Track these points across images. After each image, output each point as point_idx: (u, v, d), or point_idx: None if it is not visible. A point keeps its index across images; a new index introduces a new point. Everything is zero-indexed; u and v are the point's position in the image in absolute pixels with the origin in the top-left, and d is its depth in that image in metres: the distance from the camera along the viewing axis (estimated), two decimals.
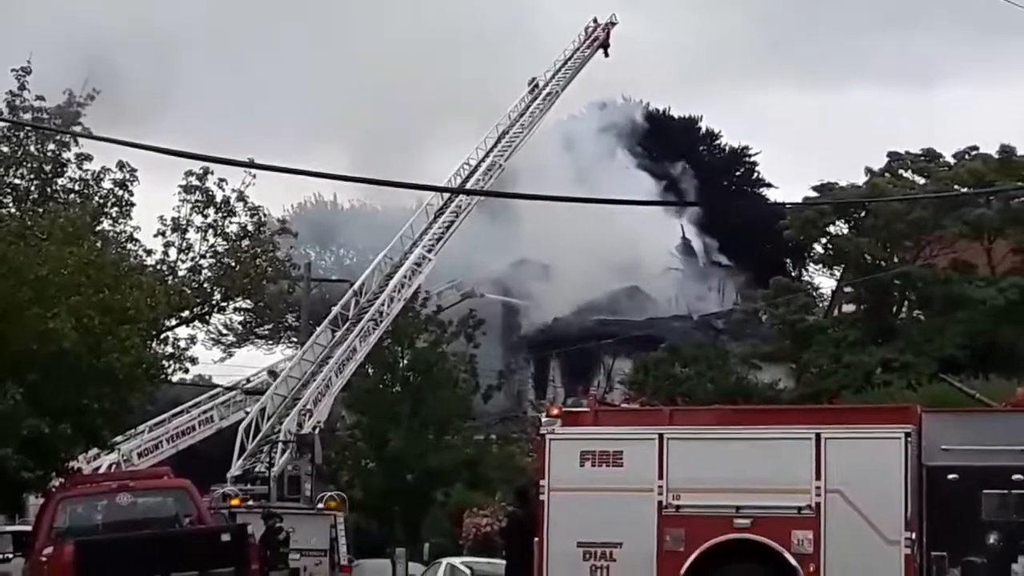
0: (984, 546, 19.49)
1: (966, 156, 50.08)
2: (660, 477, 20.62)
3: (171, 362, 30.17)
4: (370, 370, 49.03)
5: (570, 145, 68.99)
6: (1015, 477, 19.43)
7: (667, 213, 70.85)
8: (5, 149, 32.23)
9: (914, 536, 19.54)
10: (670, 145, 74.61)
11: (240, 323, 69.19)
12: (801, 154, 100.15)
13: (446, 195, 48.16)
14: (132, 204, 32.54)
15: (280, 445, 39.79)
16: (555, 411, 22.83)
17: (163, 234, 35.00)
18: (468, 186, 49.60)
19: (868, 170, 51.09)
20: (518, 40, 68.82)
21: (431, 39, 72.04)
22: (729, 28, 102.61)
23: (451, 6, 75.99)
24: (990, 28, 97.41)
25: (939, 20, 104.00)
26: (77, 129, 31.72)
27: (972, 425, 20.67)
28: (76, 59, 51.17)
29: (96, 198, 32.17)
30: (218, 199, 35.63)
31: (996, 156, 49.19)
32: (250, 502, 35.43)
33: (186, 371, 32.15)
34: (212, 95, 75.66)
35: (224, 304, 36.96)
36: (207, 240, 35.71)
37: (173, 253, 34.97)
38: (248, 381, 49.64)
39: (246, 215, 36.30)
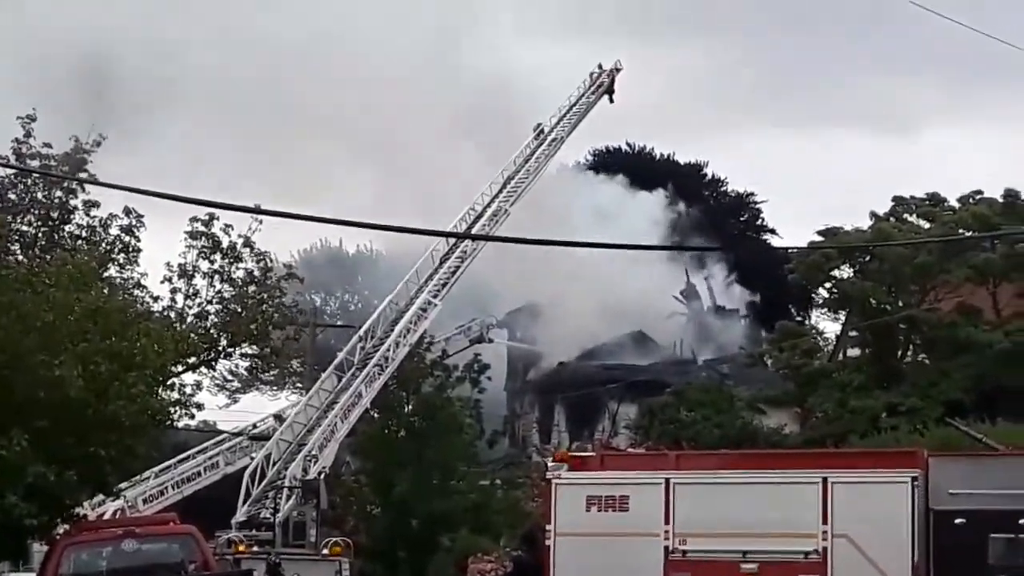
0: None
1: (971, 200, 50.16)
2: (667, 522, 20.63)
3: (177, 408, 30.15)
4: (375, 415, 49.02)
5: (575, 191, 69.16)
6: (1022, 521, 19.39)
7: (676, 259, 70.85)
8: (12, 196, 32.36)
9: None
10: (677, 190, 74.78)
11: (246, 369, 69.18)
12: (799, 200, 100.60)
13: (452, 241, 48.23)
14: (139, 250, 32.67)
15: (285, 491, 39.73)
16: (561, 456, 22.85)
17: (169, 280, 35.12)
18: (474, 231, 49.66)
19: (873, 214, 51.19)
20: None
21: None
22: (726, 75, 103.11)
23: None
24: (973, 74, 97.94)
25: (921, 66, 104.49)
26: (84, 176, 31.84)
27: (979, 469, 20.68)
28: (72, 61, 51.53)
29: (103, 244, 32.26)
30: (224, 245, 35.73)
31: (1001, 200, 49.27)
32: (255, 548, 35.34)
33: (192, 417, 32.12)
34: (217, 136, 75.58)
35: (231, 350, 37.02)
36: (213, 286, 35.82)
37: (180, 299, 35.07)
38: (254, 427, 49.59)
39: (252, 260, 36.42)
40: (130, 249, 32.41)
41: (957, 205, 50.60)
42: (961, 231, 48.00)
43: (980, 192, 50.43)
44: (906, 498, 19.70)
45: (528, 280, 64.06)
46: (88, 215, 32.53)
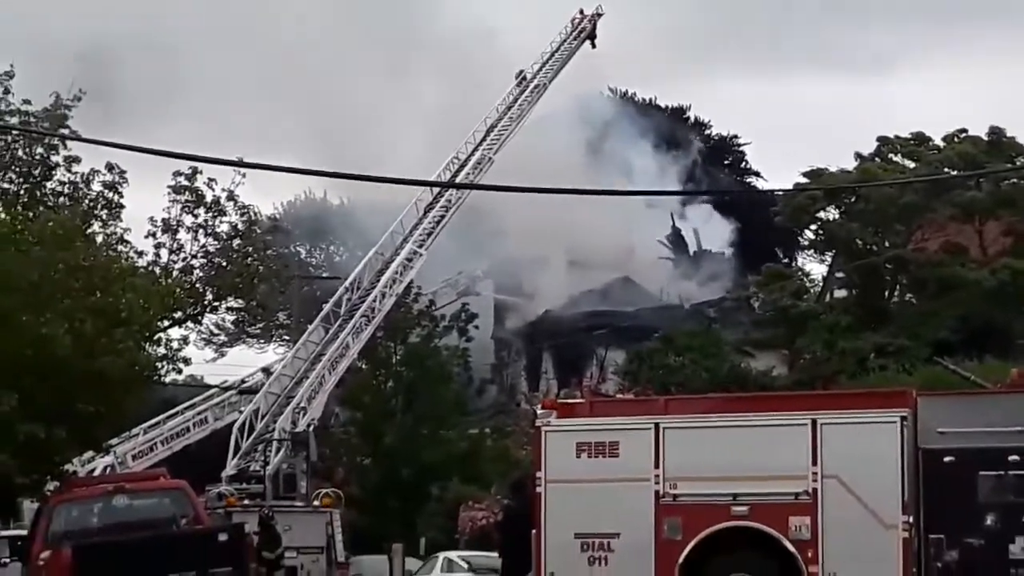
0: (981, 528, 19.48)
1: (955, 139, 50.11)
2: (656, 467, 20.59)
3: (164, 364, 30.10)
4: (363, 366, 49.03)
5: (559, 136, 68.90)
6: (1011, 458, 19.41)
7: (662, 203, 70.70)
8: None
9: (911, 520, 19.53)
10: (660, 134, 74.58)
11: (232, 322, 69.08)
12: (784, 143, 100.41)
13: (436, 190, 48.10)
14: (122, 206, 32.51)
15: (275, 444, 39.76)
16: (550, 403, 22.80)
17: (153, 235, 34.99)
18: (458, 180, 49.53)
19: (858, 155, 51.13)
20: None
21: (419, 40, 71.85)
22: (706, 20, 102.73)
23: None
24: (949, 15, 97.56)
25: (893, 5, 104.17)
26: (65, 132, 31.63)
27: (968, 407, 20.65)
28: (66, 56, 51.32)
29: (86, 201, 32.11)
30: (208, 199, 35.60)
31: (985, 138, 49.22)
32: (246, 501, 35.40)
33: (179, 372, 32.09)
34: (203, 93, 75.29)
35: (216, 304, 36.94)
36: (198, 240, 35.72)
37: (164, 254, 34.97)
38: (243, 381, 49.57)
39: (236, 214, 36.30)
40: (113, 205, 32.25)
41: (942, 144, 50.55)
42: (946, 170, 47.99)
43: (965, 130, 50.37)
44: (895, 438, 19.68)
45: (513, 228, 63.97)
46: (70, 171, 32.34)
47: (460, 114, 57.16)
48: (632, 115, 75.14)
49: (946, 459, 19.68)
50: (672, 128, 76.58)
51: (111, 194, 32.38)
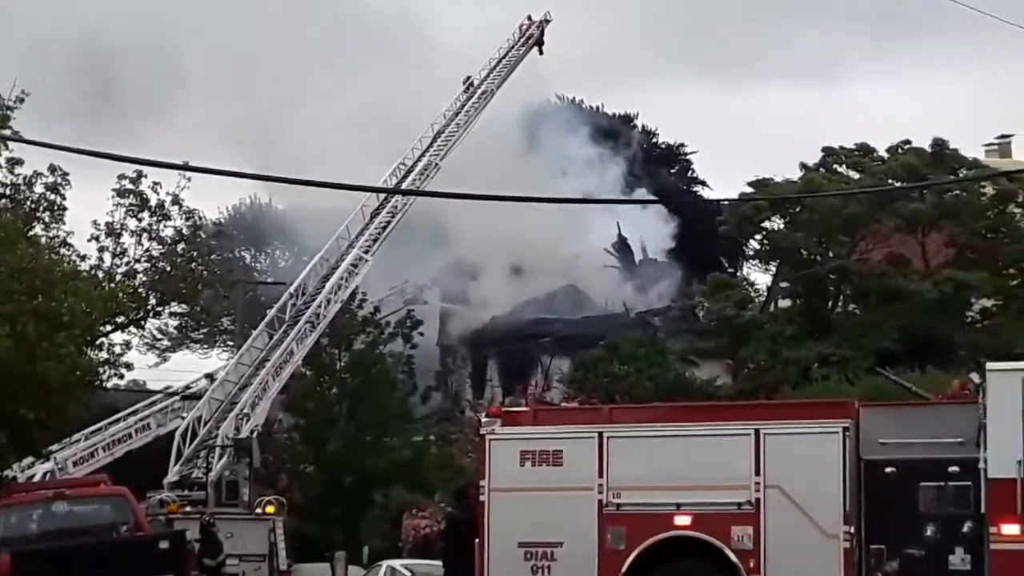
0: (922, 538, 19.61)
1: (899, 150, 50.45)
2: (600, 476, 20.61)
3: (106, 368, 29.86)
4: (307, 372, 48.86)
5: (506, 141, 68.84)
6: (951, 469, 19.56)
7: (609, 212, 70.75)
8: None
9: (852, 530, 19.64)
10: (608, 142, 74.60)
11: (175, 327, 68.65)
12: (729, 153, 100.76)
13: (382, 196, 47.99)
14: (64, 208, 32.23)
15: (217, 450, 39.54)
16: (494, 411, 22.78)
17: (97, 239, 34.74)
18: (404, 186, 49.44)
19: (803, 165, 51.38)
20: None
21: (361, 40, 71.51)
22: (653, 28, 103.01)
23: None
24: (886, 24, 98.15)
25: (836, 16, 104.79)
26: (6, 133, 31.32)
27: (909, 418, 20.80)
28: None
29: (28, 203, 31.82)
30: (152, 203, 35.38)
31: (929, 149, 49.57)
32: (187, 508, 35.16)
33: (121, 377, 31.83)
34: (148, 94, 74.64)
35: (160, 309, 36.72)
36: (142, 244, 35.49)
37: (108, 258, 34.72)
38: (187, 387, 49.26)
39: (181, 219, 36.09)
40: (55, 207, 31.98)
41: (886, 155, 50.87)
42: (890, 181, 48.32)
43: (909, 142, 50.72)
44: (837, 448, 19.80)
45: (459, 235, 63.91)
46: (12, 173, 32.04)
47: (406, 120, 57.12)
48: (574, 113, 75.21)
49: (887, 470, 19.82)
50: (612, 125, 76.48)
51: (54, 196, 32.10)
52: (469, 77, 56.80)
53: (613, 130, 75.37)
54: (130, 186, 35.00)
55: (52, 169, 32.04)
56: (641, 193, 69.75)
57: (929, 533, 19.60)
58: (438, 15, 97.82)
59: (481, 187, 36.41)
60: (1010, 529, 19.07)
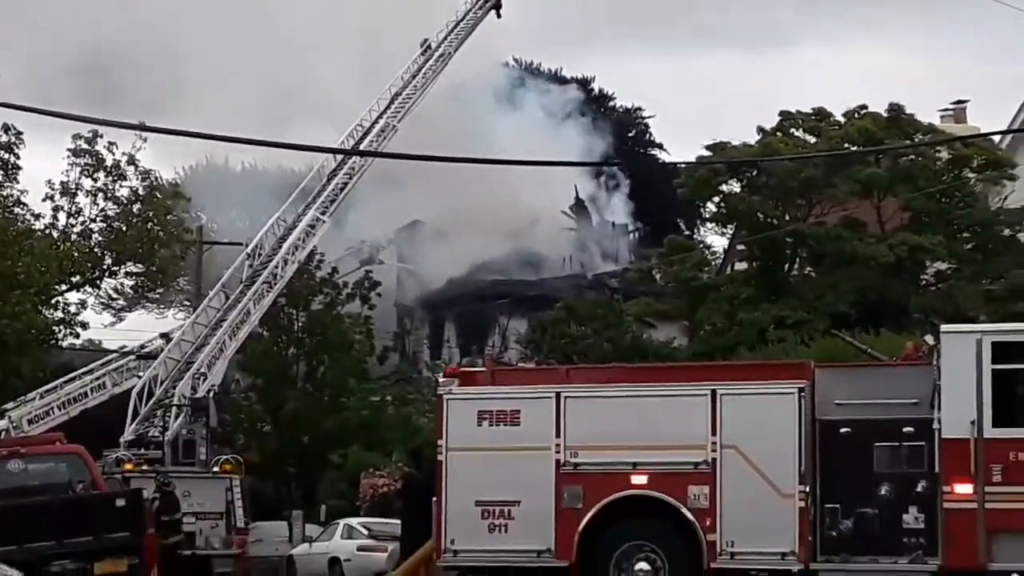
0: (876, 498, 19.82)
1: (856, 115, 50.55)
2: (557, 435, 20.71)
3: (62, 328, 29.76)
4: (265, 333, 48.79)
5: (464, 104, 68.70)
6: (906, 430, 19.76)
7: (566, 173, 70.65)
8: None
9: (808, 489, 19.82)
10: (567, 106, 74.56)
11: (131, 287, 68.29)
12: (686, 116, 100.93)
13: (339, 157, 47.82)
14: (19, 168, 32.02)
15: (174, 409, 39.45)
16: (451, 371, 22.83)
17: (52, 198, 34.52)
18: (362, 147, 49.29)
19: (760, 129, 51.43)
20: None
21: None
22: None
23: None
24: None
25: None
26: None
27: (864, 380, 20.99)
28: None
29: None
30: (108, 163, 35.17)
31: (885, 114, 49.71)
32: (144, 467, 35.14)
33: (77, 336, 31.75)
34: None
35: (116, 269, 36.55)
36: (97, 204, 35.28)
37: (63, 217, 34.51)
38: (143, 347, 49.09)
39: (137, 179, 35.90)
40: (9, 167, 31.76)
41: (842, 120, 50.97)
42: (846, 145, 48.40)
43: (865, 107, 50.78)
44: (793, 409, 19.94)
45: (415, 196, 63.81)
46: None
47: (361, 78, 56.89)
48: (531, 77, 75.13)
49: (842, 430, 20.01)
50: (569, 89, 76.40)
51: (7, 155, 31.88)
52: (426, 39, 56.50)
53: (570, 94, 75.31)
54: (85, 146, 34.76)
55: (6, 128, 31.84)
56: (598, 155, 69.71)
57: (883, 492, 19.80)
58: None
59: (439, 149, 36.27)
60: (963, 488, 19.29)
